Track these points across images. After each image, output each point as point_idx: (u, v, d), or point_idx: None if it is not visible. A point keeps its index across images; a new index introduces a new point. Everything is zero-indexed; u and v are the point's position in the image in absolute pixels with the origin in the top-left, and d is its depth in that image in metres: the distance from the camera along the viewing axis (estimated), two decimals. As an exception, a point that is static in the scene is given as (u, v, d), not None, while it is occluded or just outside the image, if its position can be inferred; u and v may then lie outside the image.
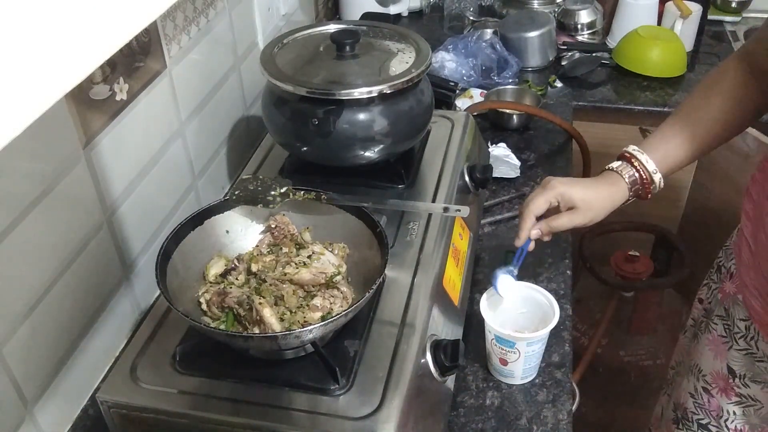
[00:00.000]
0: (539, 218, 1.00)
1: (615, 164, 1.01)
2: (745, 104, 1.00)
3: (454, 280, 1.01)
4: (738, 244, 1.03)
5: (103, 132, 0.90)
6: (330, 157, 1.06)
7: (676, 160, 1.01)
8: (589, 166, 1.60)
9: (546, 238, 1.01)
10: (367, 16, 1.91)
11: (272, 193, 0.93)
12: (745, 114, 1.00)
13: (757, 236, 0.95)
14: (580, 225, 0.99)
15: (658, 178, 0.99)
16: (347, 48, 1.04)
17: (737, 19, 2.06)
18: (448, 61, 1.71)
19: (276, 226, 0.93)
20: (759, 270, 0.95)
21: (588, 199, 0.98)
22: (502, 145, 1.45)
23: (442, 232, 1.01)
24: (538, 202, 0.98)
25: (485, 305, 0.98)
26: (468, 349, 0.94)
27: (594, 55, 1.80)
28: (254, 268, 0.89)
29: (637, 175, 0.99)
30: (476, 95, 1.63)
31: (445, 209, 0.91)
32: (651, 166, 0.99)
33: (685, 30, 1.83)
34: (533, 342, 0.95)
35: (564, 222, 0.98)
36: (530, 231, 0.99)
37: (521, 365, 0.97)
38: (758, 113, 1.01)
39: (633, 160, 1.00)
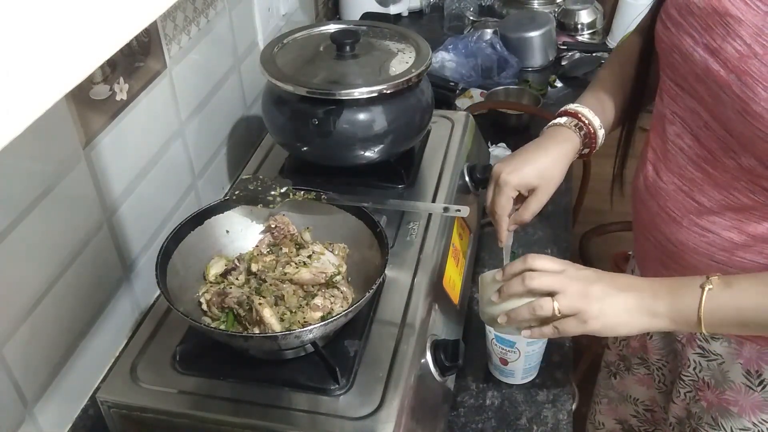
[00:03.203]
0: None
1: (562, 120, 0.98)
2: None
3: (454, 280, 1.01)
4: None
5: (103, 132, 0.90)
6: (330, 157, 1.06)
7: (613, 120, 1.00)
8: (588, 166, 1.60)
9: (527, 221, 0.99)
10: (367, 16, 1.91)
11: (272, 193, 0.93)
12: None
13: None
14: (548, 198, 0.96)
15: (602, 133, 0.98)
16: (347, 48, 1.04)
17: (737, 19, 2.05)
18: (448, 61, 1.71)
19: (276, 226, 0.93)
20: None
21: (545, 174, 0.94)
22: (502, 145, 1.45)
23: (442, 232, 1.01)
24: (502, 203, 0.94)
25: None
26: (468, 349, 0.94)
27: (594, 55, 1.80)
28: (254, 268, 0.89)
29: (585, 127, 0.97)
30: (476, 95, 1.63)
31: (445, 209, 0.91)
32: (596, 120, 0.97)
33: (685, 30, 1.82)
34: (533, 341, 0.94)
35: (534, 207, 0.95)
36: (508, 230, 0.97)
37: (521, 365, 0.97)
38: None
39: (580, 116, 0.97)
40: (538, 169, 0.93)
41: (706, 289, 0.75)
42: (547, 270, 0.80)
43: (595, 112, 0.99)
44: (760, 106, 0.72)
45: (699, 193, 0.86)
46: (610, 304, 0.77)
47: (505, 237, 0.97)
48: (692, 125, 0.84)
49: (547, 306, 0.78)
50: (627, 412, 1.23)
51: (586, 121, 0.98)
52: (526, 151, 0.96)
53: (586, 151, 0.99)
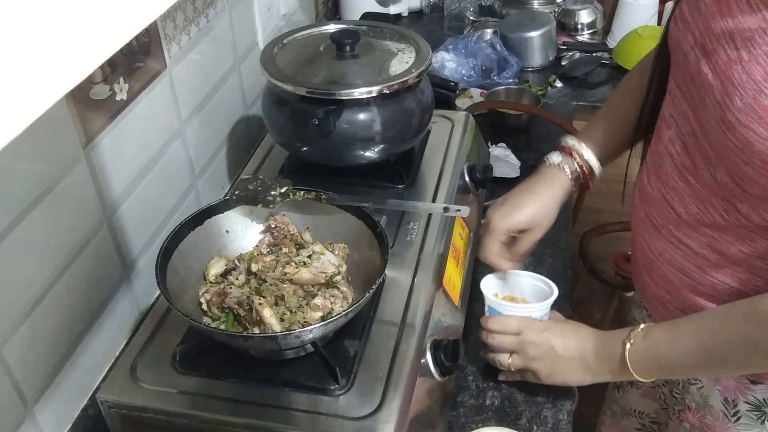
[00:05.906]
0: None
1: (555, 159, 1.00)
2: None
3: (454, 280, 1.01)
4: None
5: (103, 132, 0.90)
6: (330, 157, 1.06)
7: (615, 149, 1.01)
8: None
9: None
10: (367, 16, 1.91)
11: (272, 193, 0.93)
12: None
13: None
14: (540, 237, 0.99)
15: (598, 168, 0.99)
16: (347, 48, 1.04)
17: (737, 19, 2.05)
18: (448, 61, 1.71)
19: (276, 226, 0.93)
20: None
21: (534, 219, 0.97)
22: (502, 145, 1.45)
23: (442, 232, 1.01)
24: (493, 248, 0.97)
25: (486, 285, 0.98)
26: (468, 349, 0.94)
27: (594, 55, 1.80)
28: (254, 268, 0.89)
29: (578, 168, 0.98)
30: (476, 95, 1.63)
31: (445, 209, 0.91)
32: (593, 159, 0.98)
33: (685, 30, 1.82)
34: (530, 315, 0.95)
35: (524, 246, 0.98)
36: (507, 267, 1.00)
37: None
38: None
39: (573, 153, 0.99)
40: (528, 213, 0.97)
41: (627, 345, 0.83)
42: (507, 332, 0.92)
43: (596, 145, 0.98)
44: (734, 116, 0.70)
45: (679, 204, 0.86)
46: (558, 370, 0.90)
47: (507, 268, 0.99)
48: (683, 131, 0.83)
49: (503, 361, 0.93)
50: (631, 426, 1.22)
51: (580, 161, 0.98)
52: (518, 195, 0.99)
53: (583, 184, 1.00)
